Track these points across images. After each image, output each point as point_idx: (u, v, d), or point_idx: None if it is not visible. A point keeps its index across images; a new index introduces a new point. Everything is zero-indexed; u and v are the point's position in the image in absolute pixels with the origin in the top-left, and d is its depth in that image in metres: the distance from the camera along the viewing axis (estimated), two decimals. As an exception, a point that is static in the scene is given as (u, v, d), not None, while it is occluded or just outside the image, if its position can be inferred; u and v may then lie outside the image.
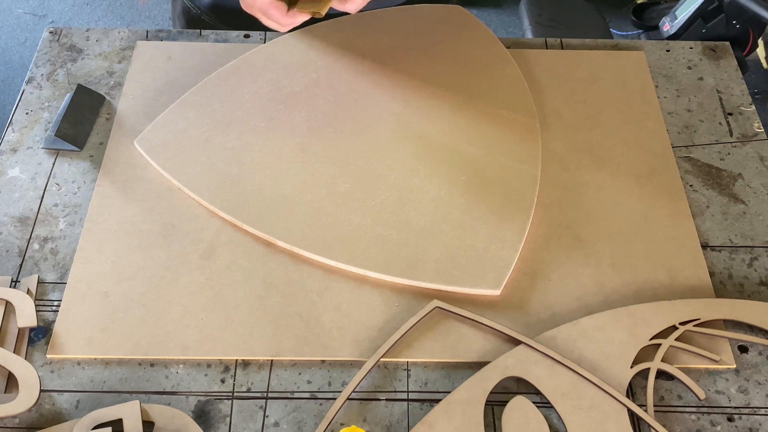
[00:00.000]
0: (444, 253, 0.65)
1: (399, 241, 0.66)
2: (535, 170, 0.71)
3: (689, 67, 0.83)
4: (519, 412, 0.57)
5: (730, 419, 0.58)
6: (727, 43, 0.86)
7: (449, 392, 0.58)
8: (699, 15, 1.58)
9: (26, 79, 0.80)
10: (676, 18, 1.62)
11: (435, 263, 0.65)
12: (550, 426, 0.56)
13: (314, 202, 0.69)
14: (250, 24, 0.83)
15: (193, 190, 0.69)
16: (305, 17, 0.75)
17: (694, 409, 0.58)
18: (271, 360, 0.60)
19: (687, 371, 0.60)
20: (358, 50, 0.81)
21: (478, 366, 0.59)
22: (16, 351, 0.60)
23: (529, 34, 1.61)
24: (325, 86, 0.78)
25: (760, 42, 1.79)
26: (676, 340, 0.61)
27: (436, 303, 0.62)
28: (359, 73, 0.79)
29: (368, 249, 0.65)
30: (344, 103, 0.77)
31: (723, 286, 0.65)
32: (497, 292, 0.64)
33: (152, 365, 0.60)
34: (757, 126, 0.77)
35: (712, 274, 0.66)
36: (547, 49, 0.84)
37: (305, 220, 0.67)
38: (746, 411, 0.58)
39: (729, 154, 0.75)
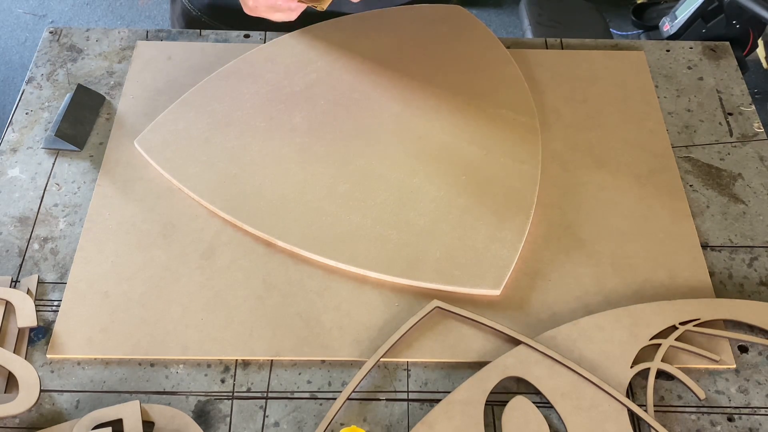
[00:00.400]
0: (444, 253, 0.65)
1: (399, 241, 0.66)
2: (535, 170, 0.71)
3: (689, 67, 0.83)
4: (519, 412, 0.57)
5: (730, 419, 0.58)
6: (727, 43, 0.86)
7: (449, 392, 0.58)
8: (699, 15, 1.58)
9: (26, 79, 0.80)
10: (676, 18, 1.62)
11: (435, 263, 0.65)
12: (550, 426, 0.56)
13: (314, 202, 0.69)
14: (249, 24, 0.83)
15: (193, 190, 0.69)
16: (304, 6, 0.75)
17: (694, 409, 0.58)
18: (271, 360, 0.60)
19: (687, 371, 0.60)
20: (358, 50, 0.81)
21: (478, 366, 0.59)
22: (16, 351, 0.60)
23: (529, 34, 1.61)
24: (325, 86, 0.78)
25: (760, 42, 1.79)
26: (676, 340, 0.61)
27: (436, 303, 0.62)
28: (359, 73, 0.79)
29: (368, 249, 0.65)
30: (344, 103, 0.77)
31: (723, 286, 0.65)
32: (497, 292, 0.64)
33: (152, 365, 0.60)
34: (757, 126, 0.77)
35: (712, 274, 0.66)
36: (547, 49, 0.84)
37: (305, 220, 0.67)
38: (746, 411, 0.58)
39: (729, 154, 0.75)
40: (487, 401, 0.57)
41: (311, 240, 0.66)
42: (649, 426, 0.57)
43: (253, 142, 0.73)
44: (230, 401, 0.58)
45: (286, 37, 0.83)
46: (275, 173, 0.71)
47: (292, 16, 0.76)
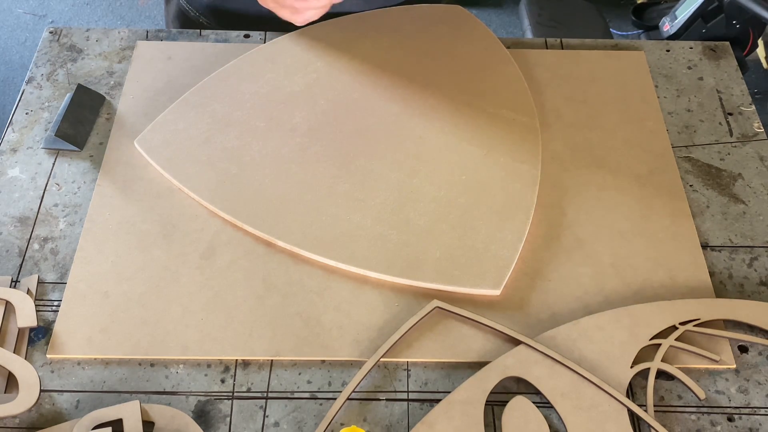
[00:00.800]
0: (444, 253, 0.65)
1: (399, 241, 0.66)
2: (535, 170, 0.71)
3: (689, 67, 0.83)
4: (519, 412, 0.57)
5: (730, 419, 0.58)
6: (727, 43, 0.86)
7: (449, 392, 0.58)
8: (699, 15, 1.58)
9: (26, 79, 0.80)
10: (676, 18, 1.62)
11: (435, 263, 0.65)
12: (550, 426, 0.56)
13: (314, 202, 0.69)
14: (247, 26, 0.83)
15: (193, 190, 0.69)
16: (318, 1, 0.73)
17: (694, 409, 0.58)
18: (271, 360, 0.60)
19: (687, 371, 0.60)
20: (358, 50, 0.81)
21: (478, 366, 0.59)
22: (16, 351, 0.60)
23: (529, 34, 1.61)
24: (325, 86, 0.78)
25: (760, 42, 1.79)
26: (676, 340, 0.61)
27: (436, 303, 0.62)
28: (359, 73, 0.79)
29: (368, 249, 0.65)
30: (344, 103, 0.77)
31: (723, 286, 0.65)
32: (497, 292, 0.64)
33: (152, 365, 0.60)
34: (757, 126, 0.77)
35: (712, 274, 0.66)
36: (547, 49, 0.84)
37: (305, 220, 0.67)
38: (746, 411, 0.58)
39: (729, 154, 0.75)
40: (487, 401, 0.57)
41: (311, 240, 0.66)
42: (649, 426, 0.57)
43: (253, 142, 0.73)
44: (230, 401, 0.58)
45: (286, 37, 0.83)
46: (275, 173, 0.71)
47: (297, 20, 0.75)
